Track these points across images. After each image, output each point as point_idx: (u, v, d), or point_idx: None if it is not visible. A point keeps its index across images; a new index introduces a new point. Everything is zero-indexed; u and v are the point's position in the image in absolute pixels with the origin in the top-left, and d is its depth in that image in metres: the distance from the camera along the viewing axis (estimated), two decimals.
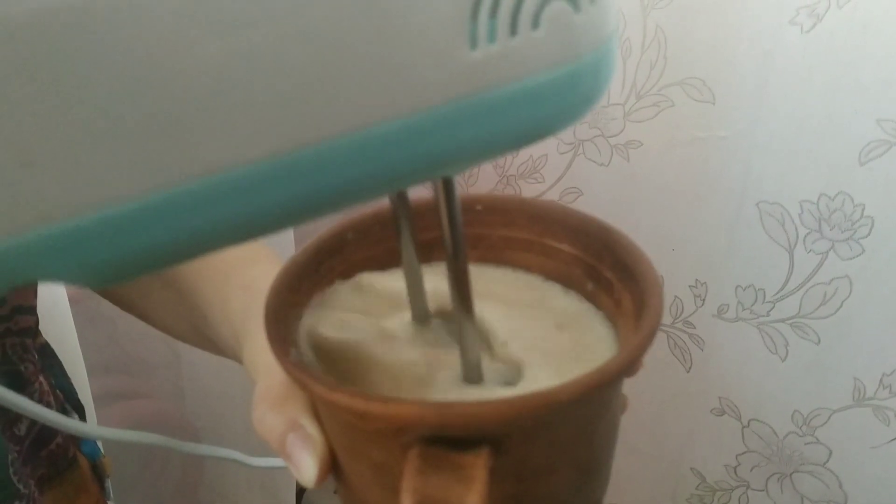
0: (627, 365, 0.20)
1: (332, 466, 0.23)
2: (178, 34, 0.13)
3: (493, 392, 0.22)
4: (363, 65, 0.15)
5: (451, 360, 0.23)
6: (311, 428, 0.23)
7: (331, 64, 0.14)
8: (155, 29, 0.13)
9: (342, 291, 0.27)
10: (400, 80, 0.15)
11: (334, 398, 0.20)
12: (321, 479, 0.23)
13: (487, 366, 0.23)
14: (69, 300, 0.62)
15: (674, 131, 0.71)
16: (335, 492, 0.26)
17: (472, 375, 0.22)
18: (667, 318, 0.79)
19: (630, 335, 0.23)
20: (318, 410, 0.24)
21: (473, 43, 0.15)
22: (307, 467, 0.23)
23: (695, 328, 0.77)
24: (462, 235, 0.21)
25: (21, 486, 0.36)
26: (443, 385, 0.23)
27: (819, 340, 0.70)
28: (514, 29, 0.15)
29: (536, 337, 0.25)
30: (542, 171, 0.81)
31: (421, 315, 0.25)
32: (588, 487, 0.24)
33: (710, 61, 0.67)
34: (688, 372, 0.80)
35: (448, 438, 0.19)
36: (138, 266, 0.15)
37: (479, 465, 0.18)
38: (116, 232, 0.14)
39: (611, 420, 0.23)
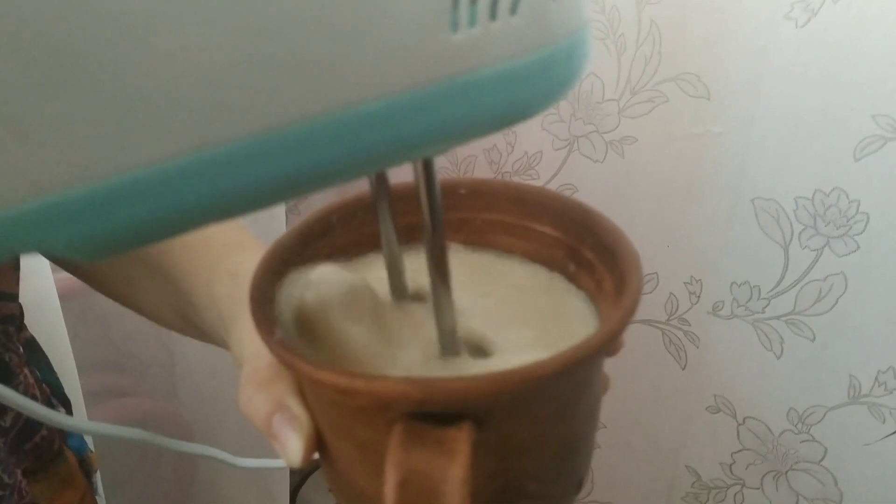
0: (608, 341, 0.20)
1: (318, 446, 0.24)
2: (164, 9, 0.13)
3: (470, 366, 0.23)
4: (347, 45, 0.15)
5: (429, 335, 0.23)
6: (297, 408, 0.24)
7: (314, 44, 0.15)
8: (143, 3, 0.13)
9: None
10: (383, 61, 0.15)
11: (319, 376, 0.20)
12: (307, 458, 0.23)
13: (464, 344, 0.23)
14: (61, 296, 0.62)
15: (668, 127, 0.71)
16: (329, 490, 0.26)
17: (449, 347, 0.23)
18: (662, 315, 0.78)
19: (611, 313, 0.23)
20: (303, 391, 0.24)
21: (455, 26, 0.16)
22: (293, 447, 0.23)
23: (690, 325, 0.77)
24: (441, 212, 0.21)
25: (5, 476, 0.36)
26: (421, 361, 0.23)
27: (814, 337, 0.70)
28: (493, 13, 0.16)
29: (516, 316, 0.25)
30: (537, 168, 0.81)
31: (399, 295, 0.25)
32: (570, 465, 0.24)
33: (705, 57, 0.67)
34: (683, 369, 0.79)
35: (432, 414, 0.19)
36: (129, 239, 0.16)
37: (461, 438, 0.19)
38: (108, 205, 0.15)
39: (592, 398, 0.23)
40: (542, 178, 0.81)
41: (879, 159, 0.61)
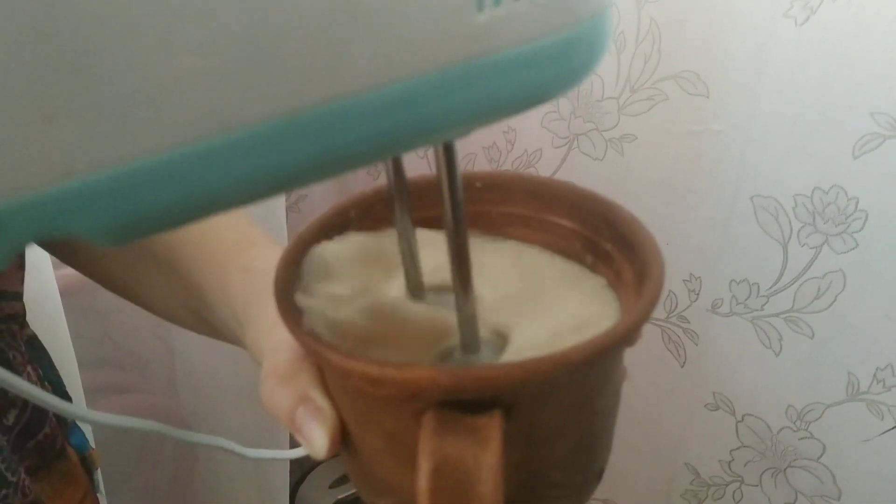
0: (633, 329, 0.20)
1: (342, 438, 0.24)
2: None
3: (490, 361, 0.23)
4: (370, 25, 0.15)
5: (447, 330, 0.23)
6: (321, 400, 0.24)
7: (340, 25, 0.15)
8: None
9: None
10: (408, 42, 0.15)
11: (349, 366, 0.20)
12: (332, 450, 0.23)
13: (484, 337, 0.23)
14: (61, 293, 0.62)
15: (668, 125, 0.71)
16: (329, 486, 0.26)
17: (470, 342, 0.23)
18: (661, 313, 0.79)
19: (632, 303, 0.23)
20: (327, 383, 0.24)
21: (480, 5, 0.16)
22: (318, 439, 0.23)
23: (689, 323, 0.77)
24: (462, 202, 0.21)
25: (9, 475, 0.36)
26: (442, 354, 0.23)
27: (813, 335, 0.70)
28: None
29: (537, 307, 0.25)
30: (537, 166, 0.81)
31: (415, 286, 0.25)
32: (592, 454, 0.24)
33: (705, 55, 0.67)
34: (682, 367, 0.80)
35: (461, 403, 0.19)
36: (154, 223, 0.16)
37: (493, 426, 0.19)
38: (134, 187, 0.15)
39: (614, 387, 0.24)
40: (542, 175, 0.81)
41: (878, 157, 0.61)
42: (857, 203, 0.63)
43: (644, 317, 0.21)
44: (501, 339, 0.24)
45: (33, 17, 0.13)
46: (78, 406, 0.34)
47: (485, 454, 0.18)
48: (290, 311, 0.22)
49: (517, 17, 0.16)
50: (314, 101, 0.15)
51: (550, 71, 0.17)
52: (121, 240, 0.15)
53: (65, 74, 0.13)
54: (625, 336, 0.20)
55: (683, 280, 0.76)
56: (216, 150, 0.15)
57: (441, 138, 0.19)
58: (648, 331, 0.80)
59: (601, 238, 0.26)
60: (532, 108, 0.18)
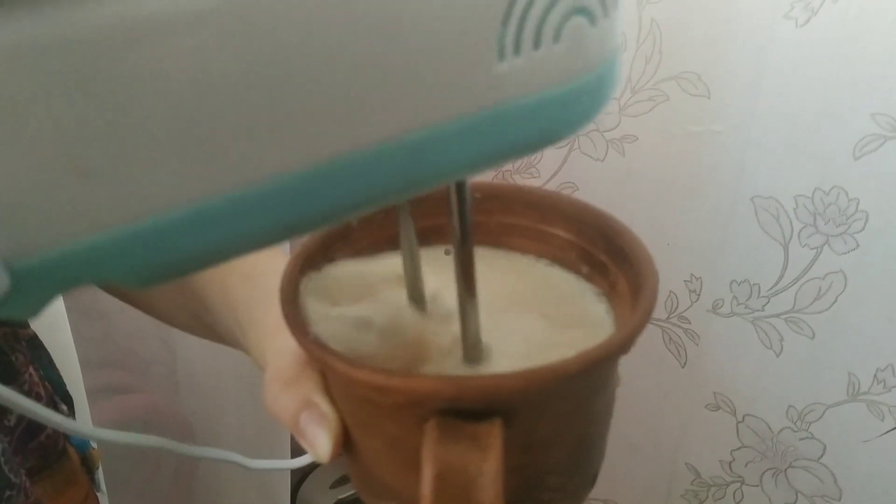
0: (628, 341, 0.21)
1: (345, 442, 0.24)
2: (222, 49, 0.14)
3: (492, 369, 0.23)
4: (395, 75, 0.15)
5: (449, 339, 0.24)
6: (325, 406, 0.24)
7: (369, 76, 0.15)
8: (203, 42, 0.14)
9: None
10: (432, 91, 0.16)
11: (355, 374, 0.21)
12: (335, 454, 0.24)
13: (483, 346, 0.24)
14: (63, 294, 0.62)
15: (669, 126, 0.71)
16: (330, 486, 0.26)
17: (473, 355, 0.23)
18: (662, 313, 0.79)
19: (627, 314, 0.24)
20: (330, 388, 0.24)
21: (501, 55, 0.16)
22: (322, 444, 0.24)
23: (690, 323, 0.77)
24: (470, 227, 0.21)
25: (12, 476, 0.36)
26: (442, 364, 0.24)
27: (813, 335, 0.70)
28: (537, 42, 0.16)
29: (532, 315, 0.25)
30: (538, 166, 0.81)
31: (417, 297, 0.25)
32: (586, 459, 0.25)
33: (705, 56, 0.67)
34: (682, 367, 0.80)
35: (461, 411, 0.20)
36: (186, 267, 0.16)
37: (494, 434, 0.20)
38: (167, 237, 0.15)
39: (609, 395, 0.24)
40: (543, 176, 0.81)
41: (879, 158, 0.61)
42: (858, 204, 0.63)
43: (639, 329, 0.21)
44: (499, 349, 0.24)
45: (71, 78, 0.13)
46: (82, 423, 0.34)
47: (486, 461, 0.19)
48: (296, 320, 0.23)
49: (536, 65, 0.17)
50: (340, 151, 0.16)
51: (563, 114, 0.18)
52: (150, 283, 0.16)
53: (101, 133, 0.14)
54: (620, 347, 0.21)
55: (684, 280, 0.76)
56: (246, 201, 0.15)
57: (456, 179, 0.20)
58: (649, 331, 0.80)
59: (597, 249, 0.26)
60: (544, 149, 0.18)
